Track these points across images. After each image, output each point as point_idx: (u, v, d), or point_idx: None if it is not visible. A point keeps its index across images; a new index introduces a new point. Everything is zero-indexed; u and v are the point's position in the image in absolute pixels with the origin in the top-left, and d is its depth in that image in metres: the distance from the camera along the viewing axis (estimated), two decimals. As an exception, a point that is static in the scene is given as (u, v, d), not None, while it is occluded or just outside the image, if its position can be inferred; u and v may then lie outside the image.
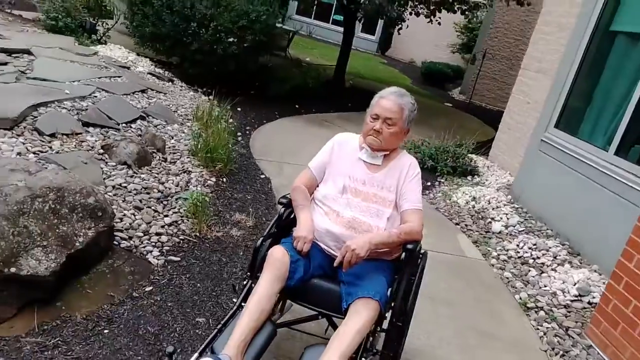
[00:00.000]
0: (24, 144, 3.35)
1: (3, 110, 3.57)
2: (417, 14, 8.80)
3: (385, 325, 2.06)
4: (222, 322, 1.90)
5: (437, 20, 8.82)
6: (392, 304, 2.03)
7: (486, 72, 13.67)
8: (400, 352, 2.52)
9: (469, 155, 6.48)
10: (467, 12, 8.23)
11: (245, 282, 2.08)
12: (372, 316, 1.85)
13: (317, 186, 2.30)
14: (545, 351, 3.01)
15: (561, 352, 2.98)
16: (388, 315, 2.06)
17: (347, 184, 2.20)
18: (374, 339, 1.94)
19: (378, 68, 16.98)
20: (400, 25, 9.02)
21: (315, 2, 18.30)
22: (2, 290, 2.21)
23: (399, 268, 2.14)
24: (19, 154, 3.21)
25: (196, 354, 1.72)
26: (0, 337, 2.12)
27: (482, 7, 9.55)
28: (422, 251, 2.33)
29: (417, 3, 8.38)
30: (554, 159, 4.83)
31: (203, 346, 1.77)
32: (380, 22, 18.87)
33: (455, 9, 8.26)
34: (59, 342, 2.19)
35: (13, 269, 2.22)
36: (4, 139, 3.31)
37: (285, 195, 2.33)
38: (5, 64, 4.97)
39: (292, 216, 2.28)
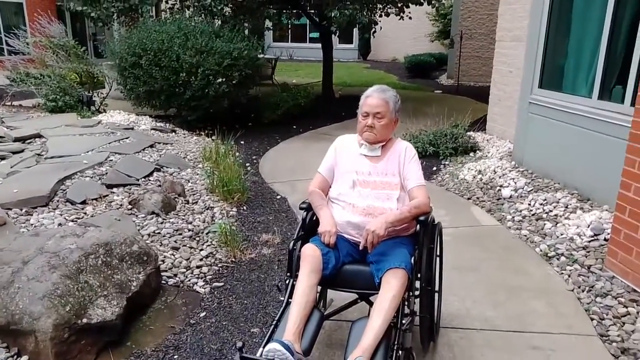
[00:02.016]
0: (61, 215, 3.69)
1: (35, 190, 3.92)
2: (387, 14, 9.15)
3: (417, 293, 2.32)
4: (276, 319, 2.17)
5: (407, 16, 9.16)
6: (419, 273, 2.30)
7: (467, 52, 13.98)
8: (439, 317, 2.78)
9: (467, 133, 6.74)
10: (433, 2, 8.56)
11: (287, 282, 2.36)
12: (402, 283, 2.11)
13: (330, 187, 2.58)
14: (572, 290, 3.23)
15: (587, 288, 3.20)
16: (418, 284, 2.32)
17: (355, 179, 2.48)
18: (409, 304, 2.19)
19: (363, 73, 17.37)
20: (374, 29, 9.38)
21: (289, 26, 18.78)
22: (81, 339, 2.50)
23: (417, 241, 2.39)
24: (59, 224, 3.53)
25: (261, 348, 1.99)
26: (88, 380, 2.41)
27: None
28: (435, 222, 2.58)
29: (384, 4, 8.74)
30: (544, 117, 5.08)
31: (265, 340, 2.04)
32: (357, 30, 19.33)
33: (422, 1, 8.61)
34: (139, 373, 2.47)
35: (85, 320, 2.51)
36: (44, 215, 3.65)
37: (304, 201, 2.62)
38: (23, 150, 5.37)
39: (314, 218, 2.56)
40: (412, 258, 2.25)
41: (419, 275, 2.35)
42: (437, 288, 2.80)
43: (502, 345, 2.71)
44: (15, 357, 2.46)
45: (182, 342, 2.72)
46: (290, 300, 2.22)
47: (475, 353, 2.64)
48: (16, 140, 5.71)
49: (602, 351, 2.65)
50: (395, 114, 2.52)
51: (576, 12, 4.86)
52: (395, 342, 2.02)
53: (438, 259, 2.78)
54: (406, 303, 2.17)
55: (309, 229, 2.53)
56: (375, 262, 2.25)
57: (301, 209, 2.58)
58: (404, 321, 2.11)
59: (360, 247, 2.29)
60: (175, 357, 2.60)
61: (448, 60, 15.88)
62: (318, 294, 2.76)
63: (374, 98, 2.49)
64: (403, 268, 2.13)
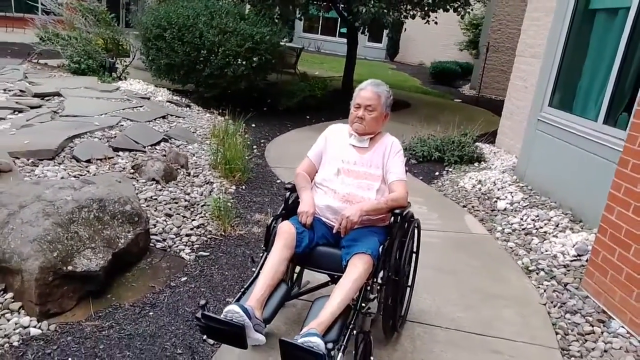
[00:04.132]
0: (65, 170, 3.85)
1: (45, 144, 4.08)
2: (413, 17, 9.18)
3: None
4: (245, 287, 2.29)
5: (433, 20, 9.18)
6: (387, 262, 2.39)
7: (492, 64, 13.91)
8: (407, 310, 2.88)
9: (475, 143, 6.78)
10: (459, 9, 8.56)
11: (261, 255, 2.47)
12: (365, 268, 2.21)
13: (317, 172, 2.69)
14: (544, 304, 3.29)
15: (559, 304, 3.26)
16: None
17: (340, 167, 2.58)
18: (372, 289, 2.29)
19: (387, 74, 17.36)
20: (404, 29, 9.38)
21: (320, 18, 18.77)
22: (64, 285, 2.64)
23: (391, 232, 2.49)
24: (62, 178, 3.69)
25: (224, 311, 2.10)
26: (66, 323, 2.56)
27: (477, 1, 9.85)
28: (412, 218, 2.67)
29: (410, 7, 8.78)
30: (550, 135, 5.11)
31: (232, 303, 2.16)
32: (386, 31, 19.30)
33: (448, 7, 8.62)
34: (113, 323, 2.61)
35: (70, 267, 2.65)
36: (49, 168, 3.81)
37: (290, 182, 2.73)
38: (40, 106, 5.55)
39: (298, 199, 2.67)
40: (381, 247, 2.34)
41: (384, 263, 2.43)
42: (409, 283, 2.90)
43: (463, 345, 2.79)
44: (2, 292, 2.62)
45: (160, 301, 2.85)
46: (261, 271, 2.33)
47: (436, 348, 2.73)
48: (35, 95, 5.90)
49: (560, 363, 2.72)
50: (386, 108, 2.61)
51: (593, 38, 4.88)
52: (352, 322, 2.12)
53: (414, 255, 2.88)
54: (368, 288, 2.27)
55: (291, 208, 2.64)
56: (346, 246, 2.35)
57: (286, 189, 2.70)
58: (363, 304, 2.21)
59: (334, 231, 2.39)
60: (151, 313, 2.73)
61: (473, 70, 15.82)
62: (296, 275, 2.89)
63: (367, 91, 2.59)
64: (369, 254, 2.23)
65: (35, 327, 2.48)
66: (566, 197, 4.71)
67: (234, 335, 1.96)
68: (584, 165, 4.51)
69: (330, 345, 1.87)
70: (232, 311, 1.99)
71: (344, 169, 2.57)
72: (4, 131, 4.44)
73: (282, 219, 2.53)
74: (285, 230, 2.35)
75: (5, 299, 2.58)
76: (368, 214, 2.40)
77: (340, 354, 1.98)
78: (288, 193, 2.67)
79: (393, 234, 2.44)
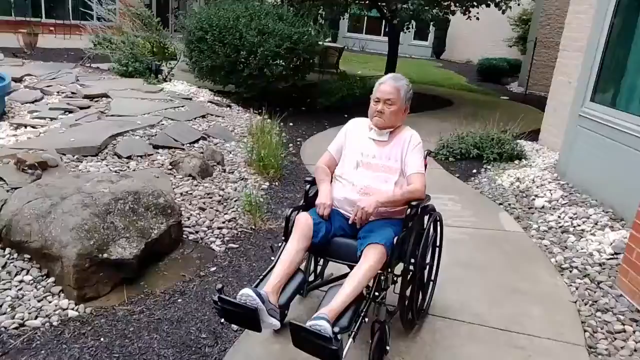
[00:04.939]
0: (107, 165, 4.08)
1: (90, 141, 4.33)
2: (453, 13, 9.06)
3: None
4: (264, 274, 2.37)
5: (475, 16, 9.01)
6: (402, 253, 2.41)
7: (541, 61, 13.48)
8: (429, 304, 2.89)
9: (517, 141, 6.63)
10: (500, 4, 8.36)
11: (280, 245, 2.55)
12: (378, 258, 2.25)
13: (337, 165, 2.75)
14: (575, 302, 3.21)
15: (590, 302, 3.17)
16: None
17: (359, 160, 2.63)
18: (386, 280, 2.33)
19: (432, 72, 17.18)
20: (447, 27, 9.27)
21: (365, 18, 18.79)
22: (99, 272, 2.82)
23: (407, 224, 2.51)
24: (103, 173, 3.91)
25: (239, 294, 2.19)
26: (100, 307, 2.73)
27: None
28: (432, 211, 2.68)
29: (449, 2, 8.67)
30: (592, 132, 4.94)
31: (248, 289, 2.25)
32: (432, 28, 19.07)
33: (489, 2, 8.44)
34: (144, 309, 2.76)
35: (105, 255, 2.83)
36: (92, 163, 4.05)
37: (310, 174, 2.80)
38: (89, 107, 5.87)
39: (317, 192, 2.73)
40: (396, 238, 2.37)
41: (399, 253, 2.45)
42: (432, 277, 2.91)
43: (485, 340, 2.77)
44: (44, 277, 2.82)
45: (189, 289, 2.99)
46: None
47: (456, 342, 2.73)
48: (85, 97, 6.24)
49: (586, 361, 2.66)
50: (405, 102, 2.64)
51: (639, 30, 4.68)
52: (364, 311, 2.16)
53: (437, 249, 2.90)
54: (382, 278, 2.30)
55: (311, 200, 2.71)
56: (362, 237, 2.40)
57: (306, 182, 2.78)
58: (377, 294, 2.24)
59: (350, 221, 2.45)
60: (179, 300, 2.87)
61: (521, 67, 15.41)
62: (320, 267, 2.96)
63: (386, 85, 2.62)
64: (382, 244, 2.26)
65: (72, 309, 2.67)
66: (607, 195, 4.55)
67: (248, 318, 2.05)
68: (626, 162, 4.34)
69: (337, 329, 1.93)
70: (245, 294, 2.07)
71: (363, 162, 2.62)
72: (54, 130, 4.74)
73: (302, 211, 2.60)
74: (303, 222, 2.42)
75: (48, 283, 2.78)
76: (384, 206, 2.43)
77: (350, 339, 2.03)
78: (308, 186, 2.75)
79: (410, 226, 2.46)
